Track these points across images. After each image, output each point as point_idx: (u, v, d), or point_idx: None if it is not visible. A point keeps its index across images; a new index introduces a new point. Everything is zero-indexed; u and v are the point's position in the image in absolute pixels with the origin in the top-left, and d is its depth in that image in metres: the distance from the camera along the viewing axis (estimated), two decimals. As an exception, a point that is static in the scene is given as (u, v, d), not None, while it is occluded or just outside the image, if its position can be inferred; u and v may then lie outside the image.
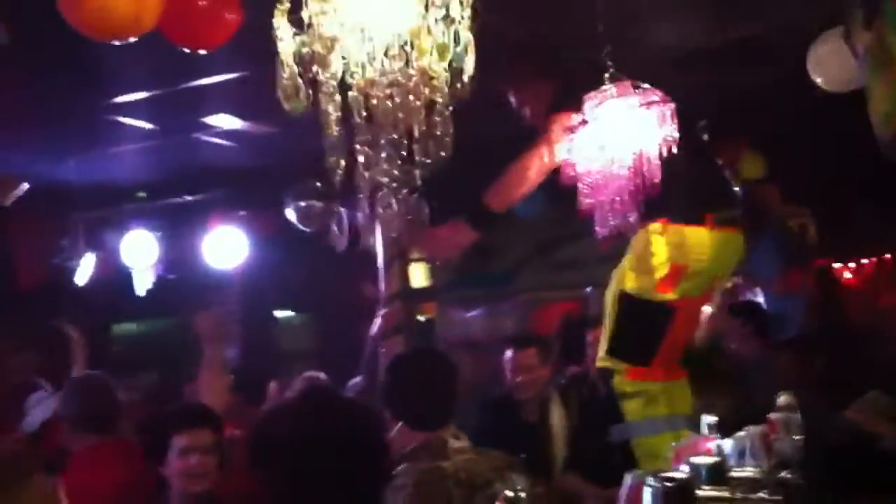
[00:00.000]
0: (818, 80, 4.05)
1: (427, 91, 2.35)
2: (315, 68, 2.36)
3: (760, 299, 5.66)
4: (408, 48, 2.33)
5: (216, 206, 6.61)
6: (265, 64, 2.51)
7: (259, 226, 6.69)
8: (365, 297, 5.70)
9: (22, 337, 5.47)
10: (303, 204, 5.64)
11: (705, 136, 4.64)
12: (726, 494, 2.87)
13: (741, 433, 3.23)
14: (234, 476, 3.32)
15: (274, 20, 2.41)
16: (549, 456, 4.33)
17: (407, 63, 2.34)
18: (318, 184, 5.53)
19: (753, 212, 4.94)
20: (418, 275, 7.07)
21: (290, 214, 5.90)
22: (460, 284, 6.99)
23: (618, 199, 3.41)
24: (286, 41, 2.39)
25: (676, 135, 3.34)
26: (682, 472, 2.91)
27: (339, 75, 2.38)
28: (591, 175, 3.46)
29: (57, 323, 5.36)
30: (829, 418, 3.56)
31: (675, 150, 3.34)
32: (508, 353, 4.45)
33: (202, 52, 3.21)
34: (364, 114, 2.38)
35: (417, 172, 2.45)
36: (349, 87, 2.40)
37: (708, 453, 3.16)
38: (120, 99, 4.83)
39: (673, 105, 3.38)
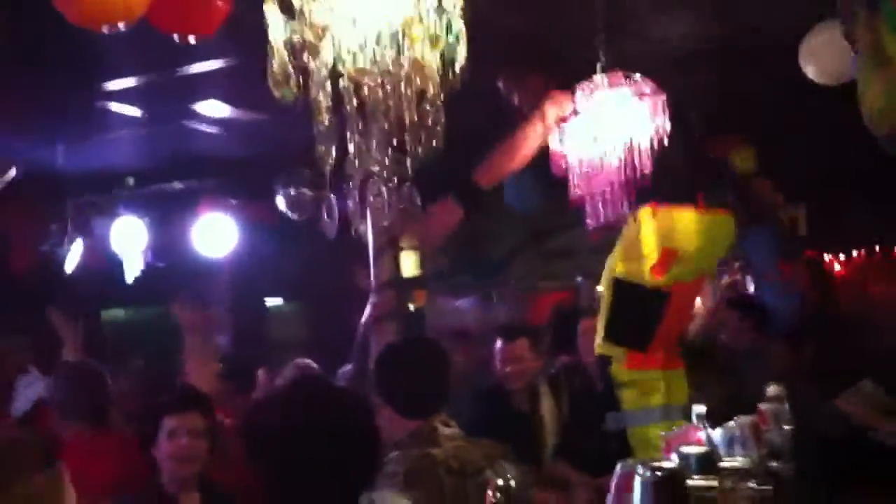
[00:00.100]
0: (810, 72, 4.05)
1: (419, 81, 2.34)
2: (306, 56, 2.35)
3: (751, 289, 5.68)
4: (399, 37, 2.32)
5: (206, 193, 6.59)
6: (256, 51, 2.50)
7: (249, 213, 6.67)
8: (356, 286, 5.70)
9: (12, 321, 5.45)
10: (293, 191, 5.62)
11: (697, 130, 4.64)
12: (716, 484, 2.87)
13: (731, 423, 3.24)
14: (224, 462, 3.32)
15: (265, 7, 2.39)
16: (540, 445, 4.34)
17: (399, 52, 2.33)
18: (309, 171, 5.52)
19: (745, 205, 4.95)
20: (409, 264, 7.07)
21: (281, 202, 5.89)
22: (452, 273, 7.00)
23: (609, 189, 3.41)
24: (277, 29, 2.37)
25: (668, 126, 3.34)
26: (673, 461, 2.91)
27: (330, 64, 2.37)
28: (582, 165, 3.46)
29: (46, 308, 5.34)
30: (819, 408, 3.57)
31: (666, 141, 3.33)
32: (499, 344, 4.46)
33: (192, 39, 3.18)
34: (355, 103, 2.37)
35: (409, 162, 2.45)
36: (340, 76, 2.39)
37: (698, 443, 3.17)
38: (111, 86, 4.81)
39: (665, 96, 3.37)
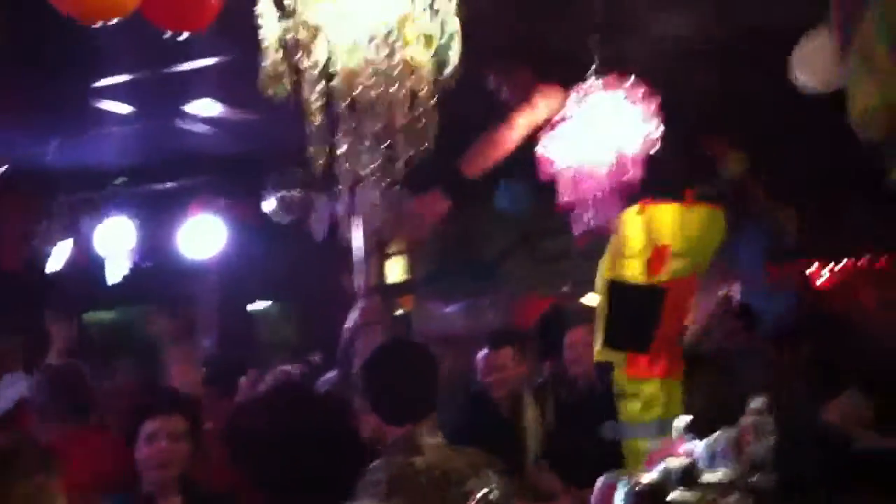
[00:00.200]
0: (801, 80, 4.05)
1: (411, 81, 2.33)
2: (298, 55, 2.33)
3: (737, 293, 5.67)
4: (392, 37, 2.30)
5: (195, 193, 6.55)
6: (248, 49, 2.48)
7: (238, 214, 6.64)
8: (343, 289, 5.68)
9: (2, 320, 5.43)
10: (282, 193, 5.60)
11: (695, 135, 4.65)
12: (697, 498, 2.87)
13: (714, 436, 3.24)
14: (206, 466, 3.30)
15: (258, 5, 2.38)
16: (524, 454, 4.32)
17: (391, 52, 2.32)
18: (299, 172, 5.50)
19: (738, 208, 4.95)
20: (396, 268, 7.06)
21: (270, 204, 5.87)
22: (440, 277, 6.98)
23: (598, 195, 3.40)
24: (269, 27, 2.36)
25: (660, 131, 3.34)
26: (655, 474, 2.91)
27: (323, 63, 2.35)
28: (571, 170, 3.45)
29: (35, 308, 5.32)
30: (804, 418, 3.57)
31: (657, 147, 3.34)
32: (483, 352, 4.44)
33: (185, 34, 3.17)
34: (347, 103, 2.35)
35: (399, 164, 2.43)
36: (333, 76, 2.37)
37: (680, 456, 3.16)
38: (102, 83, 4.77)
39: (657, 100, 3.37)
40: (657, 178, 3.59)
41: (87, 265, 6.67)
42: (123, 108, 5.22)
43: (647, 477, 2.93)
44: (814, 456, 3.16)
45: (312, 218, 4.10)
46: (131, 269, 6.75)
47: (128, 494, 3.19)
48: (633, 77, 3.43)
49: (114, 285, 6.77)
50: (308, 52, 2.31)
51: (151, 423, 3.15)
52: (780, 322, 5.35)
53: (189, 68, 4.56)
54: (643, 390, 3.77)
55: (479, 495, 2.63)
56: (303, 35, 2.31)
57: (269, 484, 2.43)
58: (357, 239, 4.94)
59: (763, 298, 5.43)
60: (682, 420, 3.41)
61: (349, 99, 2.33)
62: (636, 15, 3.89)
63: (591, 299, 4.28)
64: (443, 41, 2.35)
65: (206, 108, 5.37)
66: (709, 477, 3.00)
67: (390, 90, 2.31)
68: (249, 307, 8.40)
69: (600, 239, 3.83)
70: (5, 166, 5.61)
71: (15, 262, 6.35)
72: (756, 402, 3.39)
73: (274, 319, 8.78)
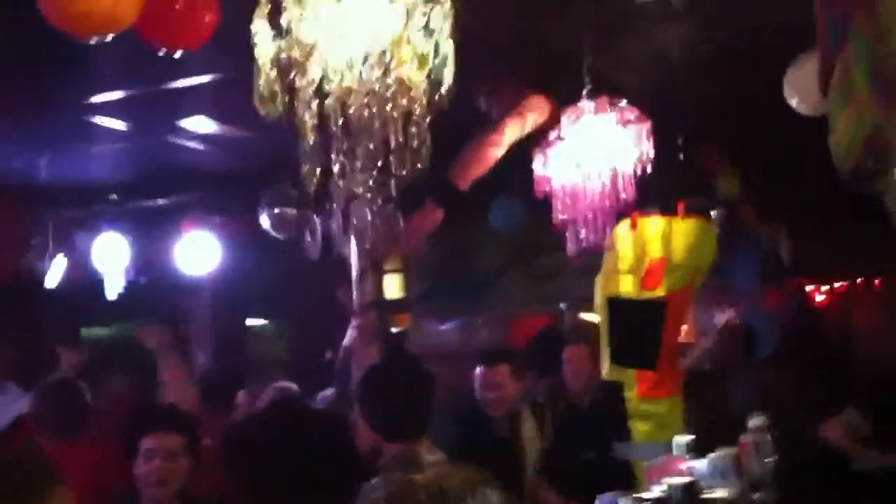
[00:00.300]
0: (793, 103, 4.06)
1: (405, 101, 2.32)
2: (293, 74, 2.33)
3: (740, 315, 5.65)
4: (387, 57, 2.30)
5: (190, 210, 6.54)
6: (242, 67, 2.47)
7: (233, 231, 6.63)
8: (339, 306, 5.67)
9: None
10: (276, 210, 5.59)
11: (688, 153, 4.65)
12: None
13: (714, 454, 3.22)
14: (206, 482, 3.28)
15: (253, 24, 2.37)
16: (521, 470, 4.30)
17: (385, 72, 2.31)
18: (294, 190, 5.49)
19: (731, 230, 4.96)
20: (392, 286, 7.05)
21: (264, 221, 5.85)
22: (436, 295, 6.97)
23: (591, 215, 3.41)
24: (264, 46, 2.35)
25: (652, 153, 3.35)
26: (655, 492, 2.89)
27: (317, 82, 2.35)
28: (567, 189, 3.46)
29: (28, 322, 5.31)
30: (802, 437, 3.57)
31: (649, 168, 3.34)
32: (479, 370, 4.43)
33: (178, 53, 3.16)
34: (341, 122, 2.35)
35: (393, 183, 2.42)
36: (327, 95, 2.37)
37: (681, 474, 3.15)
38: (96, 99, 4.77)
39: (649, 123, 3.38)
40: (648, 191, 3.59)
41: (81, 281, 6.65)
42: (118, 125, 5.22)
43: (649, 494, 2.91)
44: (813, 474, 3.15)
45: (307, 236, 4.10)
46: (126, 286, 6.74)
47: None
48: (624, 101, 3.44)
49: (109, 301, 6.75)
50: (302, 72, 2.31)
51: (149, 441, 3.14)
52: (779, 341, 5.34)
53: (183, 85, 4.56)
54: (655, 410, 3.75)
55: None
56: (297, 54, 2.30)
57: (266, 500, 2.41)
58: (353, 256, 4.93)
59: (761, 318, 5.42)
60: (684, 438, 3.40)
61: (343, 118, 2.32)
62: (628, 32, 3.90)
63: (589, 316, 4.27)
64: (437, 61, 2.34)
65: (200, 124, 5.37)
66: (710, 495, 2.98)
67: (384, 110, 2.30)
68: (245, 323, 8.38)
69: (596, 255, 3.82)
70: None
71: (5, 274, 6.32)
72: (756, 421, 3.38)
73: (269, 336, 8.75)
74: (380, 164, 2.38)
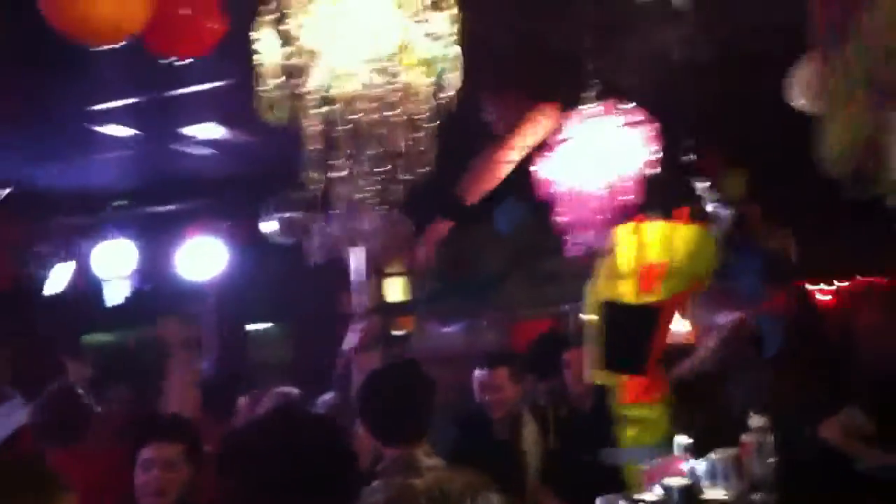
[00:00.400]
0: (800, 102, 4.07)
1: (410, 106, 2.34)
2: (297, 80, 2.35)
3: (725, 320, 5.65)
4: (391, 63, 2.32)
5: (194, 215, 6.56)
6: (247, 72, 2.50)
7: (237, 236, 6.64)
8: (342, 310, 5.68)
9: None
10: (282, 215, 5.61)
11: (690, 156, 4.66)
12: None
13: (714, 455, 3.23)
14: (202, 490, 3.28)
15: (257, 31, 2.39)
16: (522, 474, 4.31)
17: (390, 78, 2.33)
18: (298, 194, 5.51)
19: (738, 231, 4.96)
20: (395, 289, 7.05)
21: (269, 226, 5.87)
22: (439, 298, 6.97)
23: (595, 217, 3.42)
24: (268, 52, 2.37)
25: (657, 156, 3.36)
26: (655, 493, 2.91)
27: (322, 88, 2.37)
28: (570, 191, 3.47)
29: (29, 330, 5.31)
30: (803, 437, 3.57)
31: (654, 171, 3.36)
32: (479, 372, 4.44)
33: (183, 61, 3.19)
34: (346, 127, 2.37)
35: (399, 188, 2.44)
36: (331, 101, 2.39)
37: (681, 475, 3.16)
38: (101, 106, 4.79)
39: (656, 125, 3.39)
40: (649, 196, 3.61)
41: (86, 287, 6.67)
42: (123, 131, 5.24)
43: (648, 496, 2.93)
44: (815, 474, 3.16)
45: (309, 241, 4.12)
46: (131, 292, 6.76)
47: None
48: (630, 103, 3.45)
49: (113, 307, 6.76)
50: (306, 78, 2.33)
51: (147, 451, 3.14)
52: (781, 341, 5.33)
53: (188, 91, 4.59)
54: (641, 415, 3.76)
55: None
56: (301, 60, 2.32)
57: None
58: (355, 260, 4.95)
59: (763, 318, 5.42)
60: (683, 438, 3.41)
61: (348, 124, 2.34)
62: (631, 33, 3.91)
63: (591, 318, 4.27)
64: (442, 66, 2.36)
65: (205, 130, 5.39)
66: (710, 495, 3.00)
67: (389, 115, 2.32)
68: (247, 328, 8.38)
69: (596, 258, 3.83)
70: (6, 189, 5.62)
71: (12, 284, 6.34)
72: (757, 421, 3.39)
73: (272, 340, 8.76)
74: (385, 168, 2.40)
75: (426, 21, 2.30)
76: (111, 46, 2.99)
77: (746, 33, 3.96)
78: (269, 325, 8.73)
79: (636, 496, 2.78)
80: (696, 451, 3.34)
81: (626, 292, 3.74)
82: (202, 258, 6.57)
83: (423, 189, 2.49)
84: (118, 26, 2.92)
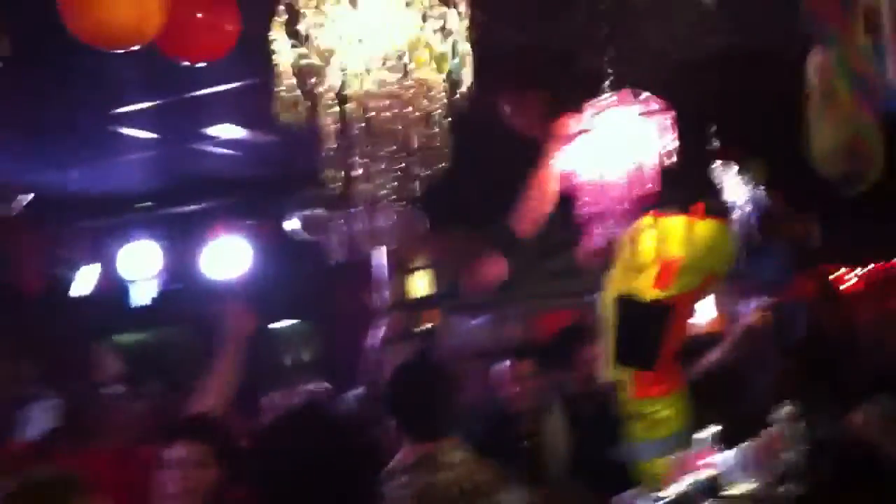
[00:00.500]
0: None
1: (425, 102, 2.35)
2: (312, 80, 2.36)
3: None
4: (405, 59, 2.32)
5: (218, 215, 6.60)
6: (268, 73, 2.51)
7: (261, 235, 6.67)
8: (367, 307, 5.69)
9: (22, 345, 5.46)
10: (306, 213, 5.63)
11: (715, 143, 4.62)
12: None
13: (741, 446, 3.21)
14: (231, 489, 3.29)
15: (270, 32, 2.40)
16: (547, 467, 4.30)
17: (404, 75, 2.34)
18: (320, 192, 5.53)
19: (765, 218, 4.91)
20: (419, 284, 7.06)
21: (292, 224, 5.90)
22: (460, 293, 6.96)
23: (615, 207, 3.40)
24: (283, 53, 2.38)
25: (676, 144, 3.33)
26: (681, 486, 2.89)
27: (337, 87, 2.38)
28: (589, 184, 3.45)
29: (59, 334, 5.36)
30: (832, 426, 3.54)
31: (674, 158, 3.33)
32: (501, 365, 4.44)
33: (200, 64, 3.21)
34: (362, 125, 2.37)
35: (416, 185, 2.45)
36: (346, 99, 2.39)
37: (707, 467, 3.14)
38: (123, 109, 4.83)
39: (673, 114, 3.37)
40: (666, 190, 3.58)
41: (113, 289, 6.72)
42: (146, 133, 5.28)
43: (673, 489, 2.91)
44: (842, 464, 3.13)
45: (330, 238, 4.13)
46: (159, 292, 6.81)
47: None
48: (646, 93, 3.42)
49: (140, 308, 6.81)
50: (321, 77, 2.34)
51: (169, 452, 3.15)
52: (806, 329, 5.28)
53: (210, 92, 4.61)
54: (649, 410, 3.73)
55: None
56: (316, 60, 2.33)
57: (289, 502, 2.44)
58: (379, 257, 4.96)
59: (788, 305, 5.36)
60: (707, 431, 3.38)
61: (364, 122, 2.35)
62: (647, 26, 3.89)
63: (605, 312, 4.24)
64: (455, 61, 2.36)
65: (227, 131, 5.41)
66: (736, 489, 2.98)
67: (404, 112, 2.33)
68: (272, 326, 8.42)
69: (615, 250, 3.81)
70: (31, 194, 5.68)
71: (34, 288, 6.40)
72: (785, 411, 3.36)
73: (297, 338, 8.79)
74: (402, 165, 2.41)
75: (437, 17, 2.30)
76: (132, 49, 3.02)
77: (764, 19, 3.93)
78: (295, 322, 8.76)
79: (660, 490, 2.77)
80: (726, 441, 3.32)
81: (643, 287, 3.71)
82: (227, 258, 6.61)
83: (440, 186, 2.49)
84: (135, 31, 2.95)
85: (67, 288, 6.55)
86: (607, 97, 3.44)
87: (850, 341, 5.19)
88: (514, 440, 4.31)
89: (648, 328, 3.70)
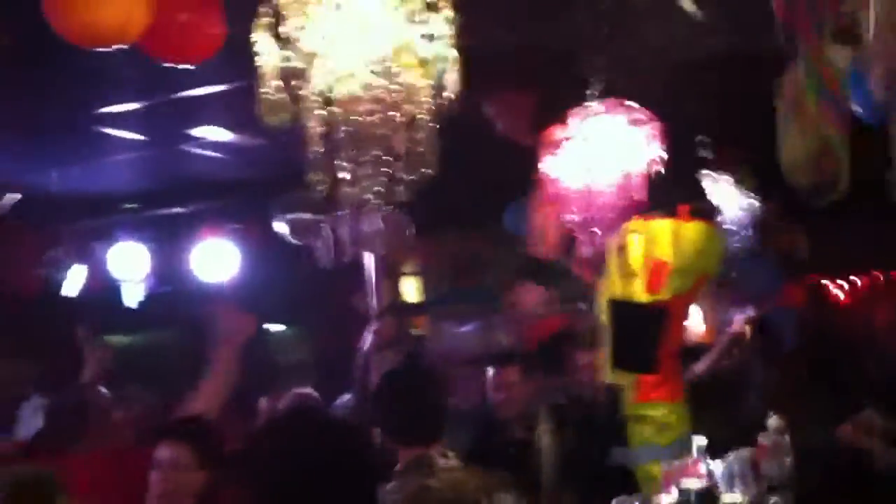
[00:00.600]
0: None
1: (410, 107, 2.32)
2: (296, 83, 2.33)
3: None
4: (391, 63, 2.30)
5: (206, 217, 6.57)
6: (255, 75, 2.48)
7: (249, 237, 6.65)
8: (357, 311, 5.67)
9: (15, 347, 5.44)
10: (292, 216, 5.60)
11: (706, 153, 4.62)
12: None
13: (730, 456, 3.19)
14: (222, 492, 3.27)
15: (255, 34, 2.38)
16: (537, 474, 4.28)
17: (389, 79, 2.31)
18: (307, 195, 5.50)
19: (757, 226, 4.92)
20: (410, 289, 7.05)
21: (281, 227, 5.87)
22: (454, 297, 6.96)
23: (602, 216, 3.39)
24: (267, 55, 2.36)
25: (663, 154, 3.32)
26: (673, 496, 2.87)
27: (321, 90, 2.35)
28: (577, 190, 3.43)
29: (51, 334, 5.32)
30: (820, 436, 3.53)
31: (660, 169, 3.32)
32: (489, 371, 4.42)
33: (185, 67, 3.19)
34: (346, 129, 2.35)
35: (402, 189, 2.42)
36: (332, 102, 2.37)
37: (698, 477, 3.12)
38: (110, 110, 4.80)
39: (659, 124, 3.36)
40: (655, 194, 3.57)
41: (100, 291, 6.69)
42: (133, 135, 5.25)
43: (666, 499, 2.89)
44: (832, 475, 3.12)
45: (317, 243, 4.11)
46: (146, 295, 6.78)
47: None
48: (635, 101, 3.41)
49: (127, 310, 6.78)
50: (306, 80, 2.32)
51: (157, 453, 3.12)
52: (795, 340, 5.28)
53: (197, 94, 4.58)
54: (653, 414, 3.71)
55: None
56: (301, 63, 2.31)
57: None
58: (367, 261, 4.94)
59: (778, 317, 5.37)
60: (699, 440, 3.36)
61: (349, 125, 2.32)
62: (636, 31, 3.87)
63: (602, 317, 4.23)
64: (440, 67, 2.34)
65: (214, 133, 5.39)
66: (727, 498, 2.96)
67: (389, 116, 2.30)
68: (264, 329, 8.39)
69: (606, 256, 3.79)
70: (18, 195, 5.65)
71: (25, 290, 6.37)
72: (773, 421, 3.35)
73: (288, 342, 8.77)
74: (387, 169, 2.38)
75: (424, 22, 2.27)
76: (120, 49, 2.99)
77: (749, 30, 3.92)
78: (285, 326, 8.74)
79: (653, 499, 2.74)
80: (713, 452, 3.30)
81: (635, 291, 3.70)
82: (216, 260, 6.58)
83: (429, 191, 2.47)
84: (121, 31, 2.92)
85: (53, 289, 6.51)
86: (595, 105, 3.43)
87: (841, 351, 5.19)
88: (504, 446, 4.29)
89: (644, 331, 3.69)
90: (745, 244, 4.50)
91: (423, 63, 2.31)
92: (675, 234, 3.68)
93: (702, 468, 3.16)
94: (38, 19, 2.89)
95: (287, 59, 2.32)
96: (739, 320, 4.78)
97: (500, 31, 3.60)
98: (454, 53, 2.34)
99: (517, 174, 4.04)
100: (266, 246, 6.48)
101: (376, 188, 2.39)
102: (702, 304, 4.95)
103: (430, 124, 2.37)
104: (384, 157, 2.35)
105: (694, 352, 4.75)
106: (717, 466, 3.15)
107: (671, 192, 3.77)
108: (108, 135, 5.16)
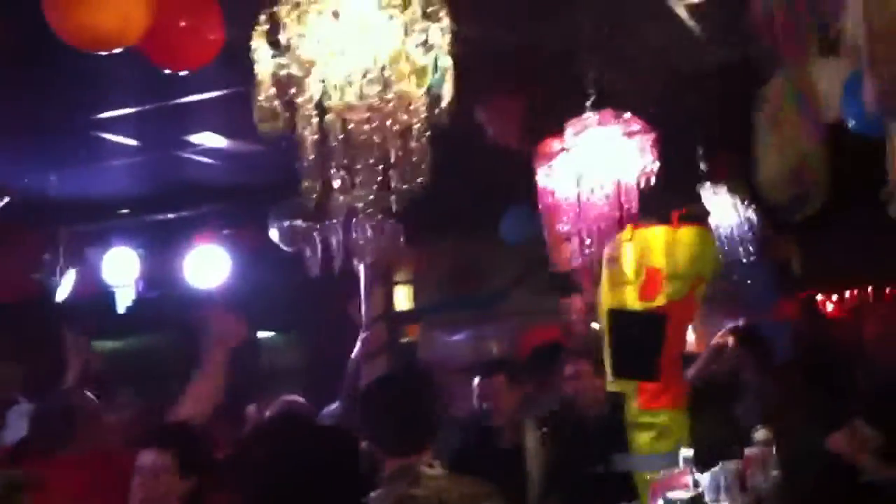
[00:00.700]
0: None
1: (404, 116, 2.34)
2: (292, 90, 2.34)
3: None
4: (385, 73, 2.31)
5: (199, 223, 6.57)
6: (251, 81, 2.49)
7: (242, 244, 6.65)
8: (349, 318, 5.67)
9: (2, 350, 5.42)
10: (285, 223, 5.61)
11: (703, 166, 4.64)
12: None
13: (717, 468, 3.20)
14: (209, 499, 3.27)
15: (252, 42, 2.39)
16: (525, 484, 4.28)
17: (384, 88, 2.32)
18: (298, 203, 5.51)
19: (754, 237, 4.93)
20: (402, 297, 7.05)
21: (274, 233, 5.88)
22: (447, 306, 6.97)
23: (595, 226, 3.41)
24: (264, 62, 2.37)
25: (656, 165, 3.34)
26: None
27: (317, 98, 2.36)
28: (568, 202, 3.45)
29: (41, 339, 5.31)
30: (809, 449, 3.54)
31: (653, 180, 3.34)
32: (476, 380, 4.43)
33: (183, 72, 3.19)
34: (341, 137, 2.36)
35: (393, 198, 2.43)
36: (327, 110, 2.38)
37: (685, 487, 3.13)
38: (105, 114, 4.80)
39: (654, 134, 3.38)
40: (648, 202, 3.59)
41: (92, 295, 6.68)
42: (127, 140, 5.25)
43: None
44: (821, 487, 3.12)
45: (308, 251, 4.12)
46: (137, 300, 6.77)
47: None
48: (629, 111, 3.43)
49: (119, 315, 6.77)
50: (302, 88, 2.33)
51: (141, 458, 3.11)
52: (786, 352, 5.30)
53: (192, 100, 4.59)
54: (656, 421, 3.73)
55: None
56: (296, 71, 2.32)
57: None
58: (361, 269, 4.94)
59: (768, 329, 5.39)
60: (686, 451, 3.38)
61: (343, 133, 2.34)
62: (630, 42, 3.89)
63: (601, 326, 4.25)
64: (436, 76, 2.36)
65: (209, 139, 5.39)
66: (711, 510, 2.97)
67: (383, 125, 2.32)
68: (256, 336, 8.39)
69: (600, 266, 3.81)
70: (6, 198, 5.64)
71: (15, 294, 6.35)
72: (761, 434, 3.36)
73: (279, 348, 8.76)
74: (380, 178, 2.40)
75: (419, 31, 2.29)
76: (117, 53, 3.00)
77: (745, 38, 3.94)
78: (277, 333, 8.73)
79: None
80: (701, 464, 3.31)
81: (631, 299, 3.72)
82: (209, 266, 6.58)
83: (423, 198, 2.48)
84: (119, 34, 2.93)
85: (45, 292, 6.50)
86: (589, 116, 3.45)
87: (833, 363, 5.21)
88: (493, 455, 4.29)
89: (643, 339, 3.71)
90: (745, 256, 4.51)
91: (419, 72, 2.33)
92: (669, 240, 3.71)
93: (688, 479, 3.17)
94: (38, 20, 2.90)
95: (284, 66, 2.34)
96: (724, 331, 4.81)
97: (496, 36, 3.61)
98: (450, 63, 2.36)
99: (513, 182, 4.05)
100: (258, 252, 6.48)
101: (369, 196, 2.41)
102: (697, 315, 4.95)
103: (425, 133, 2.38)
104: (377, 166, 2.37)
105: (685, 360, 4.76)
106: (704, 478, 3.17)
107: (665, 199, 3.79)
108: (103, 139, 5.16)
